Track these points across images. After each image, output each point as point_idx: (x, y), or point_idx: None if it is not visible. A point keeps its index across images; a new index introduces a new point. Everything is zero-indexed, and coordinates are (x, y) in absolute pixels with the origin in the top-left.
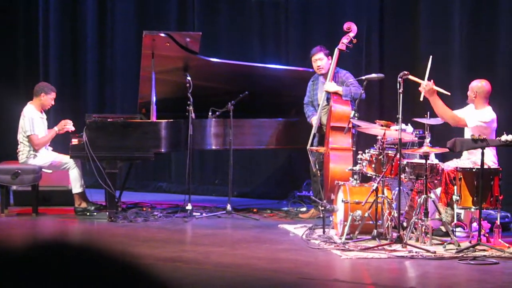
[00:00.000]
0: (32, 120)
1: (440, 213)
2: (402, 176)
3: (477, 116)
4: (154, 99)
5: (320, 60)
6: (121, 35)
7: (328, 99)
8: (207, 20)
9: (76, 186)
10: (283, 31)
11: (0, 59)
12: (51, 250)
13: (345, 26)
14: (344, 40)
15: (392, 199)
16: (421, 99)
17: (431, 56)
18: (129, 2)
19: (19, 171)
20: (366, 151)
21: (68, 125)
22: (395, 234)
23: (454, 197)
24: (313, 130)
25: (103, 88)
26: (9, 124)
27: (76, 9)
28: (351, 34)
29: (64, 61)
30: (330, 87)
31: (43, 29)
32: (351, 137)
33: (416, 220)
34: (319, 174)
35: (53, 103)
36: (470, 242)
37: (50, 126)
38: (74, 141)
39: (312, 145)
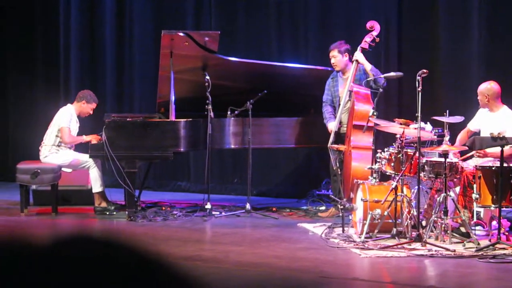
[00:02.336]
0: (71, 116)
1: (458, 213)
2: (421, 174)
3: (500, 118)
4: (173, 98)
5: (334, 57)
6: (139, 35)
7: (350, 95)
8: (224, 19)
9: (96, 185)
10: (301, 30)
11: (20, 61)
12: (72, 246)
13: (368, 24)
14: (367, 39)
15: (411, 197)
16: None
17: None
18: (147, 2)
19: (39, 171)
20: (385, 149)
21: (94, 140)
22: (414, 233)
23: (474, 196)
24: (334, 128)
25: (122, 87)
26: (27, 127)
27: (94, 9)
28: (374, 33)
29: (83, 62)
30: (360, 56)
31: (63, 32)
32: (373, 135)
33: (435, 218)
34: (339, 172)
35: (91, 112)
36: (490, 241)
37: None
38: (93, 141)
39: (333, 143)
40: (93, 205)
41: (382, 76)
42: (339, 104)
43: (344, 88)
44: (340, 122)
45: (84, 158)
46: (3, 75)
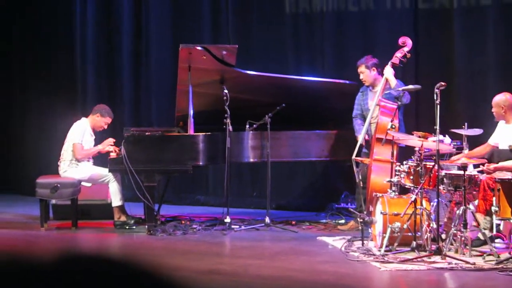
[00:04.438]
0: (84, 131)
1: (478, 223)
2: (441, 187)
3: None
4: (191, 112)
5: (362, 73)
6: (157, 49)
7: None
8: (242, 33)
9: (115, 199)
10: (318, 43)
11: (38, 74)
12: (89, 264)
13: (400, 40)
14: (398, 54)
15: (431, 210)
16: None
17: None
18: (164, 16)
19: (58, 185)
20: (404, 162)
21: (110, 144)
22: (434, 246)
23: (493, 208)
24: (360, 141)
25: (140, 101)
26: (46, 140)
27: (111, 23)
28: (406, 49)
29: (101, 76)
30: (387, 72)
31: (80, 45)
32: (396, 149)
33: (455, 231)
34: (361, 185)
35: (105, 127)
36: (510, 253)
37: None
38: (112, 155)
39: (357, 155)
40: (112, 219)
41: (400, 89)
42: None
43: (374, 101)
44: (368, 135)
45: (104, 172)
46: (22, 88)
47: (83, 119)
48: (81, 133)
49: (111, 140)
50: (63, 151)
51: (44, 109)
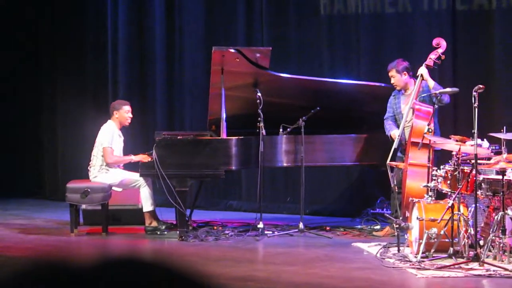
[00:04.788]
0: (112, 134)
1: None
2: (478, 192)
3: None
4: (224, 115)
5: (393, 77)
6: (190, 52)
7: (413, 112)
8: (276, 35)
9: (146, 204)
10: (353, 45)
11: (68, 78)
12: (122, 268)
13: (434, 42)
14: (432, 56)
15: (468, 216)
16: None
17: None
18: (198, 18)
19: (89, 190)
20: (441, 167)
21: (144, 160)
22: (471, 252)
23: None
24: (394, 145)
25: (172, 105)
26: (76, 145)
27: (143, 24)
28: (440, 50)
29: (133, 80)
30: (424, 72)
31: (112, 47)
32: (432, 153)
33: (493, 237)
34: (396, 190)
35: (130, 115)
36: None
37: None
38: (143, 160)
39: (392, 160)
40: (143, 224)
41: (437, 92)
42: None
43: (407, 105)
44: (402, 140)
45: (135, 177)
46: (52, 92)
47: (109, 121)
48: (109, 136)
49: (145, 156)
50: (92, 156)
51: (75, 113)
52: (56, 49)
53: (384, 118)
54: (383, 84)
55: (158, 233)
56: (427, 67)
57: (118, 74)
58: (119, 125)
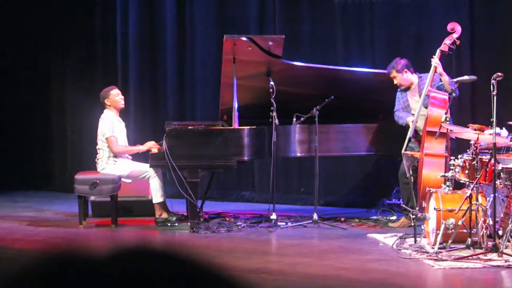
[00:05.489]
0: (111, 123)
1: None
2: (497, 182)
3: None
4: (236, 105)
5: (395, 78)
6: (201, 40)
7: (426, 103)
8: (288, 23)
9: (156, 196)
10: (368, 33)
11: (77, 67)
12: (134, 258)
13: (449, 26)
14: (447, 41)
15: (487, 206)
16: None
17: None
18: (209, 7)
19: (97, 181)
20: (459, 156)
21: (153, 148)
22: (490, 243)
23: None
24: (409, 134)
25: (183, 94)
26: (85, 136)
27: (155, 14)
28: (455, 35)
29: (143, 68)
30: (438, 65)
31: (121, 34)
32: (448, 142)
33: None
34: (412, 180)
35: (121, 97)
36: None
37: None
38: (154, 150)
39: (406, 149)
40: (154, 216)
41: (454, 80)
42: (413, 114)
43: (413, 97)
44: (417, 129)
45: (144, 168)
46: (61, 83)
47: (105, 111)
48: (110, 125)
49: (153, 143)
50: (98, 150)
51: (82, 103)
52: (65, 36)
53: (394, 110)
54: None
55: (169, 225)
56: (442, 53)
57: (128, 63)
58: (116, 111)
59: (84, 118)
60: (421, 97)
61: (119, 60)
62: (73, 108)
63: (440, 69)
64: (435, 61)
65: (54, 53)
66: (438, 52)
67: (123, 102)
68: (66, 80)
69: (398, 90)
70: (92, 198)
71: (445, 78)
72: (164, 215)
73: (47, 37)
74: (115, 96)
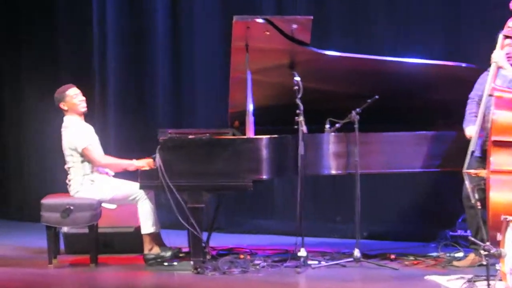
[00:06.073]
0: (81, 128)
1: None
2: None
3: None
4: (250, 107)
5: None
6: (202, 23)
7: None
8: (314, 2)
9: (146, 225)
10: (421, 14)
11: (37, 66)
12: None
13: None
14: (511, 23)
15: None
16: None
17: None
18: None
19: (71, 207)
20: None
21: (147, 167)
22: None
23: None
24: (471, 147)
25: (180, 94)
26: (53, 151)
27: None
28: None
29: (126, 62)
30: (497, 56)
31: (97, 22)
32: None
33: None
34: (479, 206)
35: (80, 99)
36: None
37: (113, 151)
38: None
39: (470, 167)
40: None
41: None
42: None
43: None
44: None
45: (132, 188)
46: (14, 88)
47: (65, 118)
48: (81, 133)
49: (150, 161)
50: (68, 169)
51: (45, 108)
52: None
53: (469, 96)
54: (463, 64)
55: (165, 264)
56: (506, 38)
57: (106, 57)
58: (78, 116)
59: (45, 126)
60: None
61: (95, 52)
62: (31, 115)
63: (502, 63)
64: (496, 56)
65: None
66: (500, 37)
67: (84, 104)
68: (21, 80)
69: (487, 69)
70: (65, 229)
71: (509, 73)
72: (155, 250)
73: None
74: (73, 97)
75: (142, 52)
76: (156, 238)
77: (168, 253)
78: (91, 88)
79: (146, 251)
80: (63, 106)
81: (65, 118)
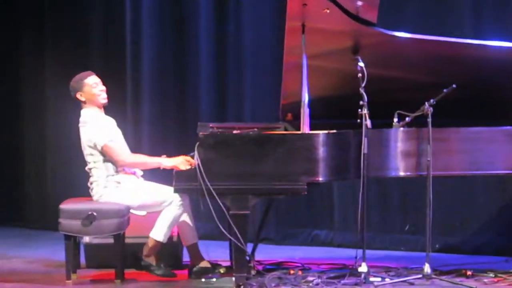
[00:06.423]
0: (100, 123)
1: None
2: None
3: None
4: (306, 98)
5: None
6: (250, 3)
7: None
8: None
9: (159, 231)
10: None
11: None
12: None
13: None
14: None
15: None
16: None
17: None
18: None
19: (94, 214)
20: None
21: (186, 162)
22: None
23: None
24: None
25: (224, 83)
26: (71, 149)
27: None
28: None
29: (163, 48)
30: None
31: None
32: None
33: None
34: None
35: (101, 88)
36: None
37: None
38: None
39: None
40: (181, 265)
41: None
42: None
43: None
44: None
45: (165, 193)
46: (35, 79)
47: (83, 111)
48: (102, 129)
49: (185, 159)
50: (90, 170)
51: (68, 104)
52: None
53: None
54: None
55: (203, 280)
56: None
57: (141, 42)
58: (97, 108)
59: (67, 126)
60: None
61: (128, 38)
62: (54, 112)
63: None
64: None
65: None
66: None
67: (105, 95)
68: (43, 74)
69: None
70: (87, 239)
71: None
72: (151, 260)
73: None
74: (92, 86)
75: (182, 37)
76: (159, 249)
77: (160, 272)
78: (123, 88)
79: (143, 254)
80: (80, 96)
81: (82, 112)
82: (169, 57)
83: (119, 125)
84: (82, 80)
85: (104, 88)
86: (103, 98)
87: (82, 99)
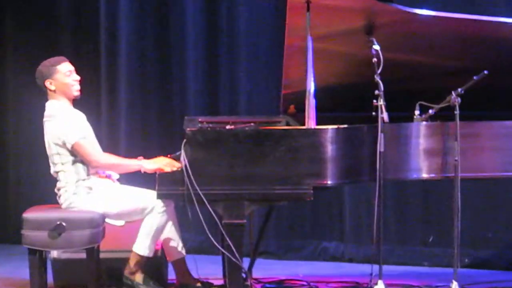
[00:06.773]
0: (68, 119)
1: None
2: None
3: None
4: (311, 87)
5: None
6: None
7: None
8: None
9: (142, 244)
10: None
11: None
12: None
13: None
14: None
15: None
16: None
17: None
18: None
19: (63, 224)
20: None
21: (165, 167)
22: None
23: None
24: None
25: (215, 70)
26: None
27: None
28: None
29: (142, 24)
30: None
31: None
32: None
33: None
34: None
35: (75, 78)
36: None
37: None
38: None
39: None
40: (168, 282)
41: None
42: None
43: None
44: None
45: (146, 199)
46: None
47: (49, 103)
48: (72, 123)
49: (168, 161)
50: (55, 171)
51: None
52: None
53: None
54: None
55: None
56: None
57: (117, 25)
58: (67, 100)
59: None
60: None
61: (102, 22)
62: (15, 105)
63: None
64: None
65: None
66: None
67: (78, 87)
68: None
69: None
70: (55, 254)
71: None
72: (137, 278)
73: None
74: (66, 75)
75: (166, 15)
76: (145, 264)
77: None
78: (96, 75)
79: (126, 272)
80: (49, 85)
81: (48, 104)
82: (150, 39)
83: (90, 120)
84: (54, 66)
85: (78, 78)
86: (76, 89)
87: (52, 87)
